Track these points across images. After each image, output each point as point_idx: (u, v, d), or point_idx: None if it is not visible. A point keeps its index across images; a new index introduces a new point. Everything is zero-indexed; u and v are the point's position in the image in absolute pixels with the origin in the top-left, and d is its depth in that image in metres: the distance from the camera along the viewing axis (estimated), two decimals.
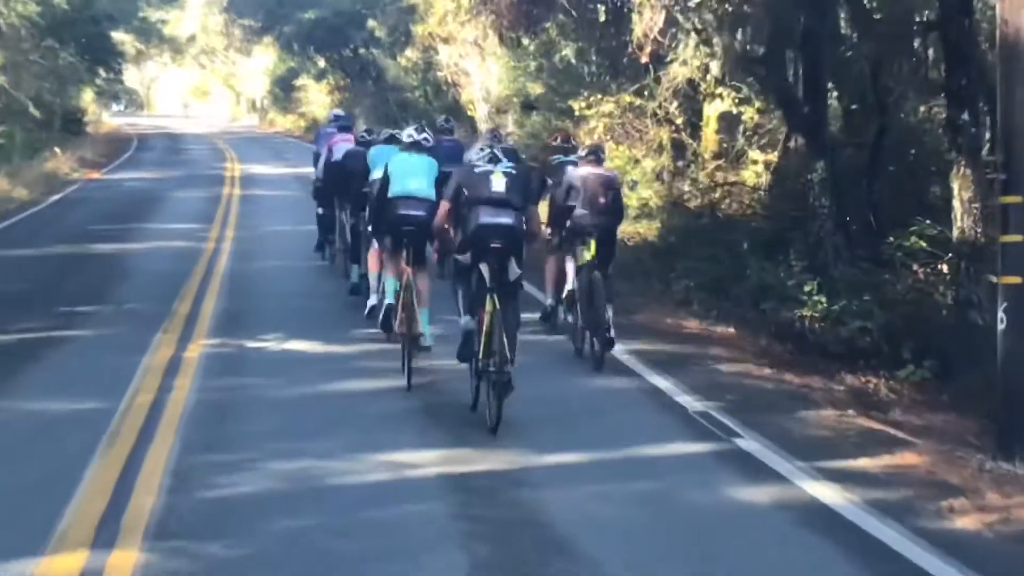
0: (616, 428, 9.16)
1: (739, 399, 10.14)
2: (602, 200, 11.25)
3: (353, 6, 49.96)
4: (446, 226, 9.57)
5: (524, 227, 9.00)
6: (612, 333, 10.96)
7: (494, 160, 9.19)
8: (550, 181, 12.75)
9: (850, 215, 16.63)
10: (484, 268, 8.84)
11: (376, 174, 11.60)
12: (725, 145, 24.24)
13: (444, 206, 9.38)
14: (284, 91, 65.06)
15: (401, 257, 10.61)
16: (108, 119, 74.84)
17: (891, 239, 14.52)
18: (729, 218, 19.46)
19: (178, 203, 26.73)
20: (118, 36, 58.07)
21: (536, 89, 31.94)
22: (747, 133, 24.05)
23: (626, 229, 22.25)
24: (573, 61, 26.59)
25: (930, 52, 18.50)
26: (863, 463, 8.35)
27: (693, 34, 23.49)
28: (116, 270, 16.89)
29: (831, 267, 15.30)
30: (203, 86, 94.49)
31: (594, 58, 26.20)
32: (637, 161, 25.21)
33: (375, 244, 12.00)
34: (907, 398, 11.26)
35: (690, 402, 9.96)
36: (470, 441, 8.53)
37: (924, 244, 14.31)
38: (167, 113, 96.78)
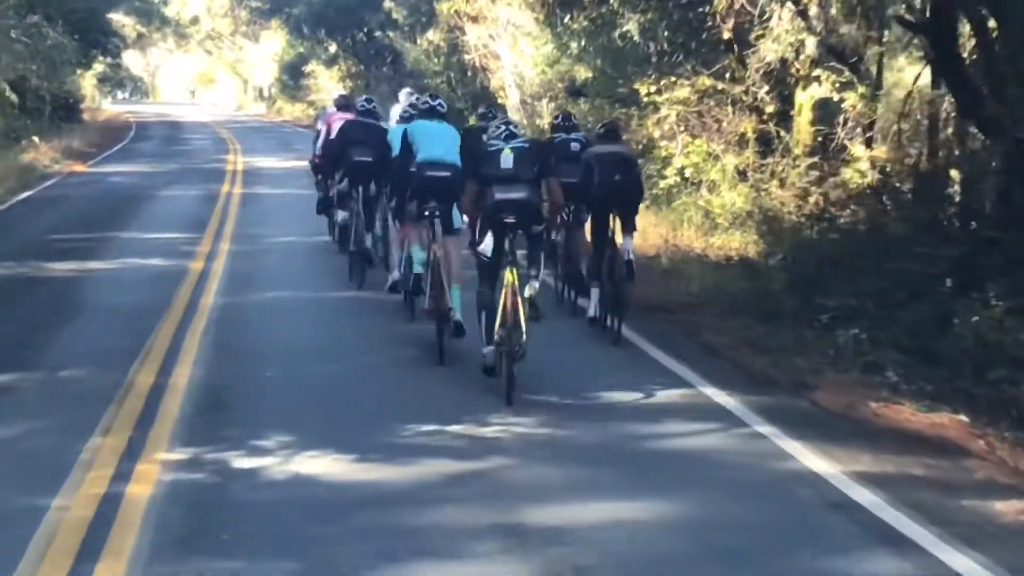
0: None
1: None
2: (617, 176, 11.11)
3: None
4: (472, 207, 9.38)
5: (540, 199, 9.11)
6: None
7: (510, 137, 9.11)
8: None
9: None
10: (505, 241, 8.90)
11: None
12: (820, 138, 19.58)
13: (470, 187, 9.24)
14: (293, 78, 60.37)
15: (427, 228, 10.36)
16: (109, 106, 70.20)
17: None
18: (876, 233, 14.69)
19: (167, 204, 22.06)
20: (117, 18, 53.45)
21: (583, 73, 27.23)
22: (848, 123, 19.36)
23: (714, 243, 17.66)
24: (636, 38, 21.81)
25: None
26: None
27: (789, 3, 18.97)
28: (66, 304, 12.19)
29: None
30: (209, 73, 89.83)
31: (665, 33, 21.46)
32: (716, 157, 20.57)
33: (397, 224, 11.87)
34: None
35: None
36: None
37: None
38: (172, 101, 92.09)
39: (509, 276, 8.77)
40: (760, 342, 10.97)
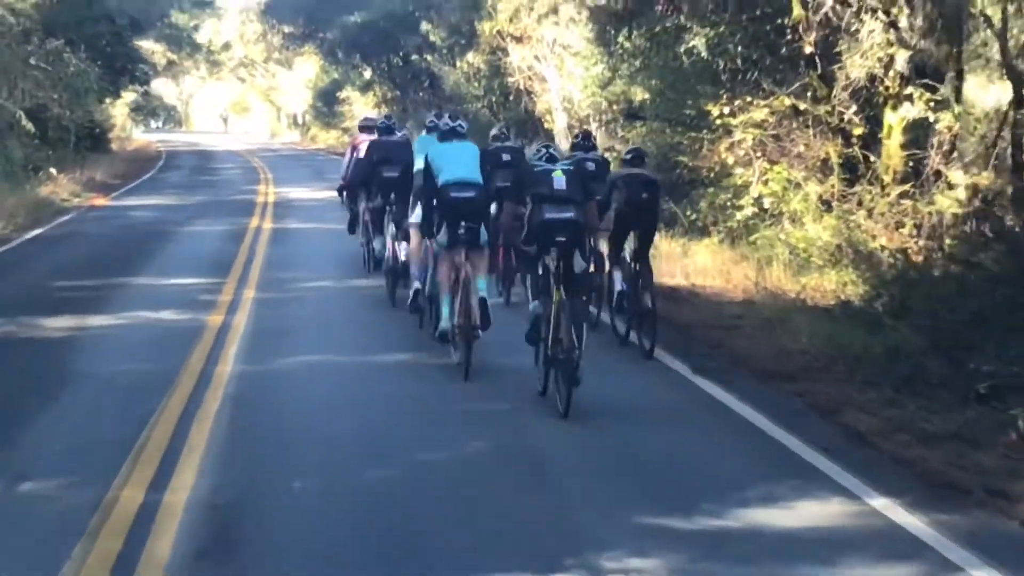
0: None
1: None
2: (644, 195, 11.52)
3: (404, 7, 43.10)
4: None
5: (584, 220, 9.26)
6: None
7: (551, 159, 9.50)
8: None
9: None
10: (550, 261, 9.04)
11: (419, 163, 11.29)
12: (911, 163, 17.25)
13: (509, 208, 9.65)
14: (327, 105, 58.41)
15: (455, 253, 10.23)
16: (141, 135, 68.47)
17: None
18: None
19: (189, 242, 19.84)
20: (147, 45, 51.58)
21: (639, 94, 24.92)
22: (943, 146, 17.02)
23: (807, 283, 15.28)
24: (704, 54, 19.50)
25: None
26: None
27: (880, 13, 16.69)
28: (51, 376, 9.91)
29: None
30: (243, 101, 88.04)
31: (738, 49, 19.13)
32: (798, 185, 18.23)
33: (414, 235, 11.93)
34: None
35: None
36: None
37: None
38: (206, 129, 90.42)
39: (557, 295, 8.96)
40: (917, 425, 8.57)
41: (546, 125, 31.44)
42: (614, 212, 11.48)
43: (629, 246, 11.77)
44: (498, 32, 31.95)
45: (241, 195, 29.61)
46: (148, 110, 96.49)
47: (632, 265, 11.70)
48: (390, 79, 48.65)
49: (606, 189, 11.54)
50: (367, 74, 50.85)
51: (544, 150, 9.72)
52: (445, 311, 10.32)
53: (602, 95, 27.16)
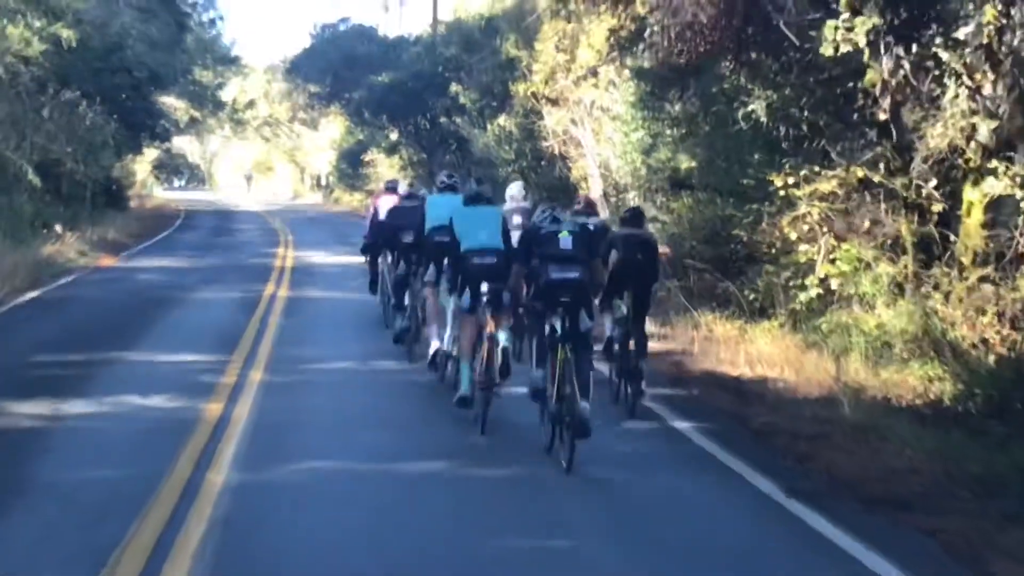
0: None
1: None
2: (639, 256, 11.61)
3: (434, 68, 41.61)
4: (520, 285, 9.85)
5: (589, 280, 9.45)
6: (644, 385, 11.21)
7: (556, 220, 9.53)
8: None
9: None
10: (556, 320, 9.09)
11: (434, 223, 11.56)
12: (993, 245, 15.38)
13: (517, 269, 9.73)
14: (351, 166, 56.89)
15: (477, 316, 10.32)
16: (161, 193, 67.15)
17: None
18: None
19: (196, 311, 18.04)
20: (169, 101, 50.26)
21: (685, 163, 23.15)
22: None
23: (888, 378, 13.38)
24: (764, 119, 17.69)
25: None
26: None
27: (965, 78, 14.89)
28: (2, 482, 8.03)
29: None
30: (267, 161, 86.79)
31: (805, 115, 17.34)
32: (868, 265, 16.38)
33: (430, 293, 12.09)
34: None
35: None
36: None
37: None
38: (229, 188, 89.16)
39: (562, 353, 9.02)
40: None
41: (581, 192, 29.65)
42: (609, 271, 11.37)
43: (625, 306, 11.61)
44: (532, 94, 30.31)
45: (258, 258, 27.86)
46: (171, 168, 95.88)
47: (626, 327, 11.56)
48: (416, 141, 47.08)
49: (604, 247, 11.53)
50: (393, 136, 49.31)
51: (549, 211, 9.80)
52: (466, 377, 10.36)
53: (643, 162, 25.39)
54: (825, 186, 16.52)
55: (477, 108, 37.03)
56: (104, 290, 20.28)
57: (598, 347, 10.86)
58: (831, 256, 16.55)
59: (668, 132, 23.99)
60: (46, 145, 31.50)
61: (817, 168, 16.72)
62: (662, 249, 24.00)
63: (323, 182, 71.23)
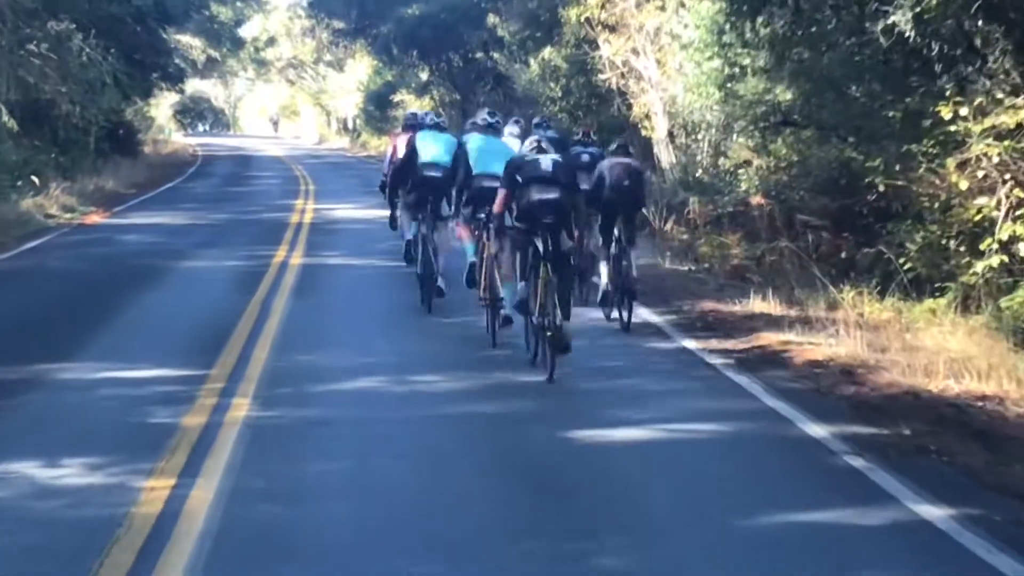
0: None
1: None
2: (626, 183, 11.79)
3: None
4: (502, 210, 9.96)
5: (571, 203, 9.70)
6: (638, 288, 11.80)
7: (541, 151, 9.76)
8: None
9: None
10: (538, 241, 9.30)
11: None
12: None
13: (502, 193, 9.81)
14: (379, 108, 52.17)
15: (480, 229, 10.95)
16: (182, 138, 62.75)
17: None
18: None
19: (180, 290, 13.75)
20: (185, 40, 45.71)
21: (781, 94, 18.50)
22: None
23: None
24: (909, 33, 13.06)
25: None
26: None
27: None
28: None
29: None
30: (292, 105, 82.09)
31: (978, 24, 12.79)
32: None
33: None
34: None
35: None
36: None
37: None
38: (255, 133, 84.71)
39: (544, 272, 9.21)
40: None
41: (644, 132, 25.12)
42: (603, 200, 11.71)
43: (617, 229, 11.75)
44: (586, 20, 25.62)
45: (273, 212, 23.45)
46: (195, 113, 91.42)
47: (619, 249, 11.70)
48: (450, 80, 42.48)
49: (595, 179, 11.89)
50: (423, 75, 44.71)
51: (536, 143, 9.98)
52: (469, 249, 11.37)
53: (723, 96, 20.74)
54: (1009, 119, 12.11)
55: (518, 41, 32.39)
56: (73, 258, 15.96)
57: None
58: (1018, 214, 12.20)
59: (752, 59, 19.48)
60: (37, 83, 27.13)
61: (999, 94, 12.28)
62: (756, 199, 19.32)
63: (350, 126, 66.60)
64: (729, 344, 10.77)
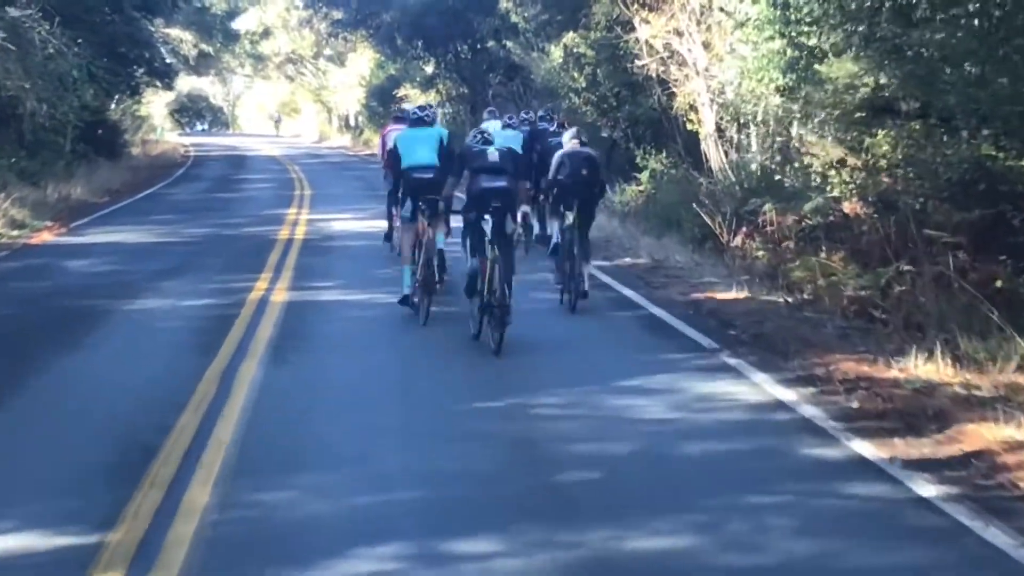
0: None
1: None
2: (584, 172, 11.90)
3: None
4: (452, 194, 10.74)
5: (518, 189, 10.20)
6: (586, 286, 11.70)
7: (486, 142, 10.33)
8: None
9: None
10: (486, 224, 9.80)
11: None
12: None
13: (452, 181, 10.62)
14: (383, 104, 48.12)
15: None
16: (176, 138, 58.83)
17: None
18: None
19: (121, 343, 9.92)
20: (175, 33, 41.77)
21: (868, 80, 14.48)
22: None
23: None
24: None
25: None
26: None
27: None
28: None
29: None
30: (292, 102, 78.03)
31: None
32: None
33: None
34: None
35: None
36: None
37: None
38: (252, 132, 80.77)
39: (492, 252, 9.65)
40: None
41: (688, 126, 21.19)
42: (557, 186, 12.06)
43: (571, 216, 11.83)
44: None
45: (260, 225, 19.53)
46: (193, 111, 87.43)
47: (572, 235, 11.72)
48: (457, 72, 38.51)
49: (554, 166, 12.21)
50: (429, 68, 40.76)
51: (480, 135, 10.57)
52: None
53: (783, 81, 16.76)
54: None
55: (535, 26, 28.46)
56: None
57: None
58: None
59: (823, 36, 15.64)
60: None
61: None
62: (851, 206, 15.42)
63: (352, 122, 62.59)
64: (926, 449, 6.87)
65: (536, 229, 15.30)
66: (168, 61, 38.26)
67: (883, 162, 14.48)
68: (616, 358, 9.63)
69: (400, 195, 11.43)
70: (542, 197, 14.01)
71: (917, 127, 13.80)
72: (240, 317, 10.90)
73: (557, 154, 12.28)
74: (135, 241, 17.24)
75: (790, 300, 12.37)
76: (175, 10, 37.08)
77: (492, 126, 14.89)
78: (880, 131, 14.26)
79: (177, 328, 10.55)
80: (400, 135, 11.58)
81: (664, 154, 22.12)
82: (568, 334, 10.64)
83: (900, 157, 14.14)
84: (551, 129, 15.35)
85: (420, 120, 11.61)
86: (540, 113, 17.86)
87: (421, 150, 11.09)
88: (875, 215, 13.90)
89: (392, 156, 11.49)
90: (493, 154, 10.05)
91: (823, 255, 13.44)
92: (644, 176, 22.03)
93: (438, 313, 10.90)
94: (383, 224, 15.82)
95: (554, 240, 12.35)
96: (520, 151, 13.28)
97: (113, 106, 39.60)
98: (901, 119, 14.09)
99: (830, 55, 15.30)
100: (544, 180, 13.23)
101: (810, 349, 9.74)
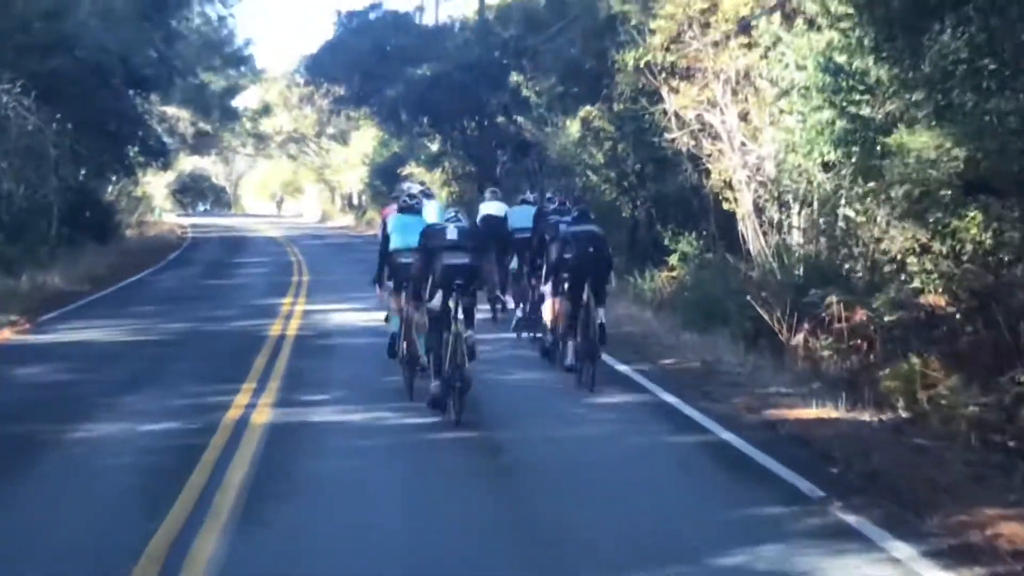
0: None
1: None
2: (591, 250, 11.82)
3: (487, 54, 31.15)
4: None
5: (481, 265, 10.57)
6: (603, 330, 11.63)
7: (451, 220, 10.42)
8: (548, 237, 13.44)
9: None
10: (450, 301, 9.83)
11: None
12: None
13: (418, 259, 10.40)
14: (386, 183, 46.05)
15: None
16: (175, 218, 56.80)
17: None
18: None
19: (41, 499, 7.47)
20: (171, 111, 39.80)
21: (956, 150, 12.22)
22: None
23: None
24: None
25: None
26: None
27: None
28: None
29: None
30: (294, 181, 76.16)
31: None
32: None
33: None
34: None
35: None
36: None
37: None
38: (254, 212, 78.90)
39: (455, 327, 9.74)
40: None
41: (724, 205, 18.89)
42: (568, 268, 11.95)
43: (585, 295, 11.69)
44: (646, 66, 19.52)
45: (250, 318, 17.20)
46: (195, 191, 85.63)
47: (587, 315, 11.62)
48: (464, 149, 36.42)
49: (558, 246, 12.32)
50: (434, 146, 38.72)
51: (453, 214, 10.72)
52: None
53: (834, 155, 14.50)
54: None
55: (550, 100, 26.36)
56: None
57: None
58: None
59: (880, 104, 13.56)
60: None
61: None
62: (935, 299, 13.23)
63: (355, 202, 60.55)
64: None
65: (518, 312, 15.22)
66: (164, 140, 36.13)
67: (969, 246, 12.24)
68: (698, 515, 7.20)
69: (387, 277, 11.48)
70: (534, 280, 14.13)
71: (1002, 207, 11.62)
72: (209, 449, 8.53)
73: (561, 233, 12.29)
74: (104, 340, 14.88)
75: (883, 419, 9.97)
76: (170, 86, 35.07)
77: (492, 207, 16.48)
78: (969, 211, 12.02)
79: (124, 468, 8.15)
80: (392, 219, 11.62)
81: (694, 235, 19.87)
82: (624, 472, 8.25)
83: (991, 242, 11.90)
84: (551, 208, 15.11)
85: (410, 208, 11.59)
86: (548, 195, 18.36)
87: (410, 236, 10.95)
88: (968, 312, 11.59)
89: (383, 238, 11.52)
90: (452, 232, 10.13)
91: (914, 359, 11.05)
92: (674, 259, 19.76)
93: (461, 444, 8.52)
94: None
95: (568, 362, 12.04)
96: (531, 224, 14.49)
97: (110, 188, 37.59)
98: (993, 197, 11.85)
99: (899, 126, 13.10)
100: (539, 260, 13.52)
101: (944, 496, 7.34)
